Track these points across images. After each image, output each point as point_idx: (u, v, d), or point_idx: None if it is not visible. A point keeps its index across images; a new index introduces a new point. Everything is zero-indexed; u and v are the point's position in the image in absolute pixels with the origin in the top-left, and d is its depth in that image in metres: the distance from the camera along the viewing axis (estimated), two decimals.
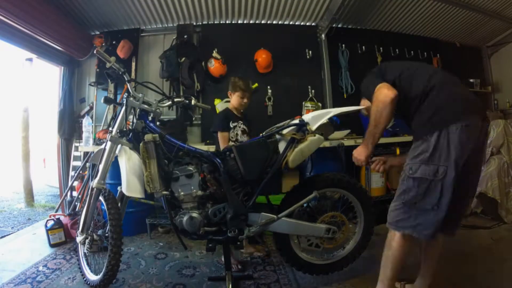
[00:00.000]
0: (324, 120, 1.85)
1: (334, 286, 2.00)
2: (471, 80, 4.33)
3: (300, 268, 2.04)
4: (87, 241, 1.89)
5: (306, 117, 1.87)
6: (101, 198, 1.90)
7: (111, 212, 1.81)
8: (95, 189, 1.86)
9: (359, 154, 1.69)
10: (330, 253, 2.10)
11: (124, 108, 1.88)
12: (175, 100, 2.07)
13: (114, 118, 1.98)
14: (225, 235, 1.85)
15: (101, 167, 1.86)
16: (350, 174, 3.13)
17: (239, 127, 2.39)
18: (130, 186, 1.78)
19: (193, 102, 2.11)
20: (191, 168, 1.82)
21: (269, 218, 1.86)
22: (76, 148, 3.62)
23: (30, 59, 4.00)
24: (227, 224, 1.83)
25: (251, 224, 1.86)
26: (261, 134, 1.94)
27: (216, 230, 1.86)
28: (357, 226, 2.10)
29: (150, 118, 1.95)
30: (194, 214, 1.77)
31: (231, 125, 2.36)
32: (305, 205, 1.97)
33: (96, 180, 1.85)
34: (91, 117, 3.49)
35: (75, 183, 3.30)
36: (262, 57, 3.52)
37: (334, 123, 2.08)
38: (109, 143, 1.87)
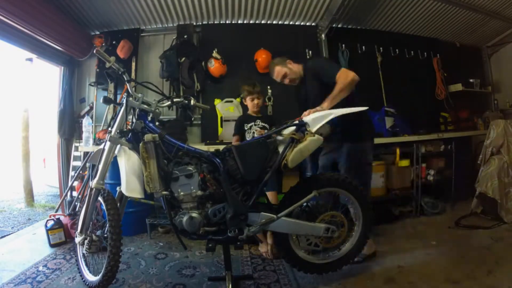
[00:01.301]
0: (325, 121, 1.85)
1: (334, 286, 2.00)
2: (471, 80, 4.32)
3: (299, 267, 2.04)
4: (86, 241, 1.88)
5: (307, 118, 1.88)
6: (100, 198, 1.90)
7: (110, 213, 1.79)
8: (94, 189, 1.85)
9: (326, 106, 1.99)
10: (328, 253, 2.10)
11: (123, 108, 1.88)
12: (174, 100, 2.07)
13: (114, 118, 1.98)
14: (225, 235, 1.86)
15: (100, 167, 1.86)
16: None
17: (256, 125, 2.69)
18: (130, 186, 1.78)
19: (192, 102, 2.11)
20: (190, 168, 1.82)
21: (269, 217, 1.87)
22: (76, 148, 3.62)
23: (30, 59, 3.99)
24: (226, 224, 1.83)
25: (251, 224, 1.87)
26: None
27: (216, 230, 1.86)
28: (355, 227, 2.10)
29: (149, 118, 1.95)
30: (194, 214, 1.77)
31: (246, 127, 2.69)
32: (304, 204, 1.97)
33: (95, 180, 1.84)
34: (91, 117, 3.49)
35: (75, 183, 3.30)
36: (262, 57, 3.52)
37: (331, 122, 2.11)
38: (108, 143, 1.86)
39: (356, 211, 2.07)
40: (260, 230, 1.90)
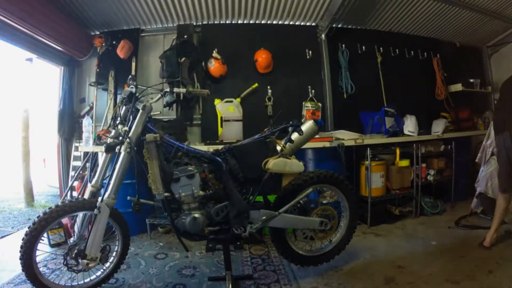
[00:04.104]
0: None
1: (334, 286, 2.00)
2: (471, 80, 4.32)
3: (296, 261, 2.14)
4: (104, 255, 1.78)
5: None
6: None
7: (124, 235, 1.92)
8: (108, 207, 1.70)
9: None
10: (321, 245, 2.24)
11: (141, 116, 1.79)
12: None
13: (115, 118, 1.95)
14: (226, 234, 1.88)
15: (112, 180, 1.73)
16: (350, 174, 3.18)
17: None
18: None
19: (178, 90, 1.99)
20: (191, 169, 1.82)
21: (270, 214, 1.93)
22: (76, 148, 3.62)
23: (30, 59, 4.00)
24: (229, 222, 1.85)
25: (252, 221, 1.91)
26: (262, 133, 2.03)
27: (219, 229, 1.89)
28: (342, 220, 2.22)
29: (147, 118, 1.94)
30: (197, 215, 1.78)
31: None
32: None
33: (106, 195, 1.71)
34: (91, 117, 3.49)
35: (75, 183, 3.30)
36: (262, 57, 3.52)
37: (319, 125, 2.22)
38: (123, 154, 1.74)
39: (343, 204, 2.20)
40: (262, 226, 1.94)
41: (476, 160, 3.28)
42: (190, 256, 2.48)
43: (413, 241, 2.70)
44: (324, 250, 2.20)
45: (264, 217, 1.92)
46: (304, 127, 2.11)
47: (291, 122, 2.05)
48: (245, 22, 3.72)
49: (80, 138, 3.53)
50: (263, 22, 3.74)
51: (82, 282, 1.92)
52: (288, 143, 2.02)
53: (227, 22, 3.70)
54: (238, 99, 3.48)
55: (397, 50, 4.03)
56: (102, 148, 1.83)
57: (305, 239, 2.14)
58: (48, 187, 5.75)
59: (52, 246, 2.64)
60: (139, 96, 1.88)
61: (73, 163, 3.64)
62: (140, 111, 1.80)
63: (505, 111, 2.47)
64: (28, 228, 1.71)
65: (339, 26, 3.82)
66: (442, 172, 3.57)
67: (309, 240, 2.16)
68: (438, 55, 4.24)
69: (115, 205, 1.88)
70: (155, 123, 1.94)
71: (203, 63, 3.50)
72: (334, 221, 2.13)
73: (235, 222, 1.84)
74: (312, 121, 2.20)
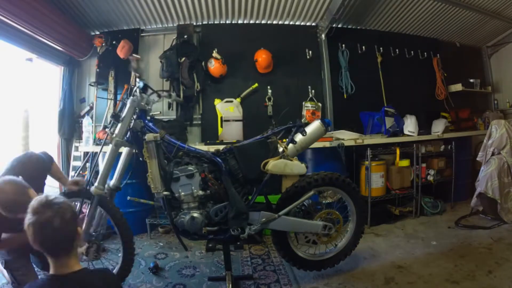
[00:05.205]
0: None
1: (334, 286, 2.00)
2: (471, 80, 4.32)
3: (298, 265, 2.08)
4: (91, 250, 1.82)
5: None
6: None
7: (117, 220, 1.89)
8: (94, 196, 1.80)
9: None
10: (325, 250, 2.18)
11: (127, 109, 1.85)
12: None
13: (115, 118, 1.96)
14: (225, 235, 1.87)
15: (102, 171, 1.83)
16: (350, 174, 3.18)
17: None
18: None
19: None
20: (191, 168, 1.83)
21: (270, 216, 1.90)
22: (76, 148, 3.62)
23: (30, 59, 3.99)
24: (228, 223, 1.85)
25: (251, 223, 1.89)
26: (264, 134, 2.01)
27: (218, 229, 1.88)
28: (349, 224, 2.16)
29: (148, 117, 1.94)
30: (196, 214, 1.78)
31: None
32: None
33: (95, 185, 1.81)
34: (91, 117, 3.49)
35: None
36: (262, 57, 3.52)
37: (326, 125, 2.13)
38: (112, 147, 1.82)
39: (350, 207, 2.13)
40: (262, 228, 1.92)
41: (477, 159, 3.28)
42: (190, 256, 2.48)
43: (413, 241, 2.70)
44: (329, 255, 2.11)
45: (263, 219, 1.89)
46: (309, 128, 2.04)
47: (294, 122, 2.01)
48: (245, 22, 3.72)
49: (80, 138, 3.53)
50: (263, 22, 3.73)
51: None
52: (290, 144, 1.99)
53: (227, 22, 3.70)
54: (238, 99, 3.48)
55: (397, 50, 4.03)
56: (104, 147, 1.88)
57: (307, 242, 2.06)
58: (48, 187, 5.74)
59: None
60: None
61: (73, 163, 3.64)
62: (128, 104, 1.84)
63: None
64: None
65: (339, 26, 3.82)
66: (442, 172, 3.57)
67: (311, 244, 2.07)
68: (438, 55, 4.24)
69: (116, 205, 1.95)
70: (155, 123, 1.95)
71: (203, 63, 3.49)
72: (338, 225, 2.06)
73: (234, 223, 1.83)
74: (319, 121, 2.09)
